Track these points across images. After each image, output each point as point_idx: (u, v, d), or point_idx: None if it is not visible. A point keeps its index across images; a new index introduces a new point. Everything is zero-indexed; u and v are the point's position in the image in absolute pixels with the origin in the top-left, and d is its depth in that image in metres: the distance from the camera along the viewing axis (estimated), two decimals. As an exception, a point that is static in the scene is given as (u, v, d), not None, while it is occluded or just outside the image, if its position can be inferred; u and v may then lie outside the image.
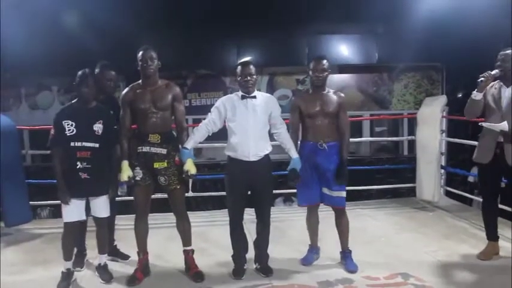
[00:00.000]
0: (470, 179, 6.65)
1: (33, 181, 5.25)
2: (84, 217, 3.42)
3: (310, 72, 3.51)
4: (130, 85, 3.46)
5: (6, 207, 4.58)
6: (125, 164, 3.35)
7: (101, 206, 3.42)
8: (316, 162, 3.53)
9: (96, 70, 3.65)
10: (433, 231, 4.53)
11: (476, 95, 3.53)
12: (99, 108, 3.40)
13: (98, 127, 3.32)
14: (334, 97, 3.53)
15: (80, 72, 3.32)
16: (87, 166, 3.28)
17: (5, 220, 4.64)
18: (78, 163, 3.26)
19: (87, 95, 3.32)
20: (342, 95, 3.59)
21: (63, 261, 3.42)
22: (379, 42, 9.46)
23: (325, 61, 3.51)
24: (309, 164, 3.55)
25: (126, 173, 3.33)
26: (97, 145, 3.31)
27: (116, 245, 3.95)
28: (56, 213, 5.77)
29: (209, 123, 3.43)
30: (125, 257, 3.88)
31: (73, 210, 3.33)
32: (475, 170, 6.53)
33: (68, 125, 3.26)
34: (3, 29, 6.52)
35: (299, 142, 3.66)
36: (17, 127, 4.85)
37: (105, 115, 3.40)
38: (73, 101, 3.41)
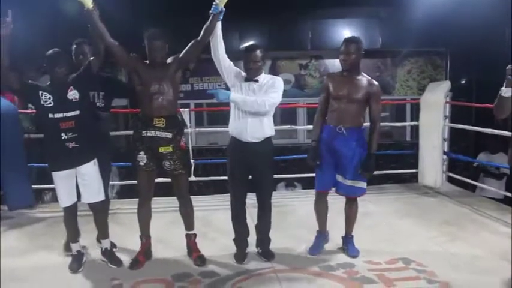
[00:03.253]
0: (476, 164, 6.63)
1: (34, 165, 5.24)
2: (76, 198, 3.41)
3: (339, 55, 3.38)
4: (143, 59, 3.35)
5: (8, 190, 4.59)
6: None
7: (92, 189, 3.38)
8: (333, 146, 3.43)
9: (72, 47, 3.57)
10: (435, 216, 4.53)
11: (505, 92, 2.93)
12: (67, 76, 3.29)
13: (72, 94, 3.25)
14: (366, 83, 3.37)
15: (49, 52, 3.25)
16: (73, 135, 3.25)
17: (7, 203, 4.66)
18: (63, 134, 3.22)
19: (60, 74, 3.23)
20: (375, 83, 3.41)
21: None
22: (383, 27, 9.40)
23: (353, 44, 3.34)
24: (326, 148, 3.47)
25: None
26: (78, 112, 3.26)
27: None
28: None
29: (223, 52, 3.37)
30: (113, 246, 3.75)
31: (67, 194, 3.34)
32: (482, 157, 6.54)
33: (43, 95, 3.21)
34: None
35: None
36: (19, 111, 4.82)
37: (74, 80, 3.29)
38: (46, 84, 3.31)
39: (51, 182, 3.39)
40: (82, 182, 3.37)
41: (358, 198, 3.59)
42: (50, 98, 3.22)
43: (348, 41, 3.39)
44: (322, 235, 3.71)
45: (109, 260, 3.50)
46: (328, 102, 3.49)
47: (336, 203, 3.69)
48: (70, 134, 3.24)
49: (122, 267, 3.45)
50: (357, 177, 3.45)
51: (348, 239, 3.65)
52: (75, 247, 3.47)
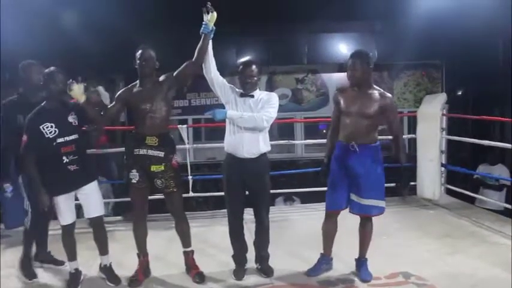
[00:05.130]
0: (477, 175, 6.64)
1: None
2: (75, 217, 3.41)
3: (347, 70, 3.26)
4: (130, 85, 3.44)
5: (6, 209, 4.56)
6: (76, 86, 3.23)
7: (95, 204, 3.40)
8: (346, 164, 3.29)
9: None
10: (434, 229, 4.52)
11: None
12: (66, 101, 3.36)
13: (73, 118, 3.30)
14: (377, 97, 3.22)
15: (46, 71, 3.28)
16: (74, 158, 3.28)
17: (4, 222, 4.63)
18: (65, 158, 3.25)
19: (57, 92, 3.26)
20: (389, 95, 3.27)
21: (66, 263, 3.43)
22: (378, 41, 9.46)
23: (358, 59, 3.22)
24: (339, 166, 3.34)
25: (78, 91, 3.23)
26: (77, 136, 3.31)
27: (49, 251, 3.86)
28: (55, 214, 5.76)
29: (215, 69, 3.37)
30: (60, 263, 3.78)
31: (68, 212, 3.34)
32: (481, 169, 6.54)
33: (47, 127, 3.22)
34: (3, 28, 6.50)
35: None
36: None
37: (74, 107, 3.35)
38: (42, 104, 3.31)
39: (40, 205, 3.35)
40: (84, 197, 3.39)
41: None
42: (52, 127, 3.23)
43: (353, 56, 3.27)
44: (324, 259, 3.56)
45: (108, 278, 3.48)
46: (339, 118, 3.38)
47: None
48: (71, 157, 3.27)
49: (120, 286, 3.42)
50: (375, 196, 3.28)
51: (361, 261, 3.48)
52: (73, 265, 3.45)
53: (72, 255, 3.44)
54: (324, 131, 9.62)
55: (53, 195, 3.29)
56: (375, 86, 3.30)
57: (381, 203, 3.33)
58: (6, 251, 4.21)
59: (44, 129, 3.22)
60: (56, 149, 3.24)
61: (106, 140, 5.12)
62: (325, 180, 3.43)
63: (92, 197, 3.40)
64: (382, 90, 3.29)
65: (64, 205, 3.32)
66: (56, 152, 3.25)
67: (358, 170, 3.25)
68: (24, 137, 3.23)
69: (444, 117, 5.64)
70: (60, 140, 3.24)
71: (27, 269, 3.63)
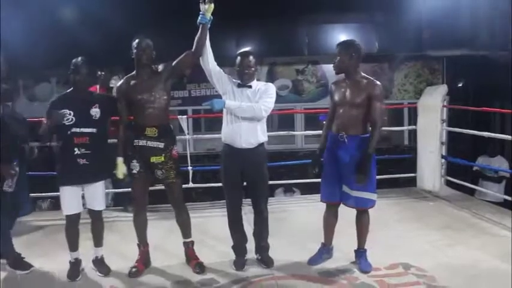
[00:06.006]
0: (476, 168, 6.65)
1: (33, 173, 5.22)
2: (81, 208, 3.41)
3: (334, 59, 3.29)
4: (125, 77, 3.42)
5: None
6: (120, 161, 3.33)
7: (98, 198, 3.43)
8: (336, 155, 3.31)
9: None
10: (434, 221, 4.52)
11: None
12: (95, 93, 3.41)
13: (95, 111, 3.31)
14: (365, 85, 3.23)
15: (73, 61, 3.30)
16: (86, 152, 3.27)
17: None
18: (76, 149, 3.25)
19: (81, 82, 3.30)
20: (377, 82, 3.25)
21: (63, 253, 3.46)
22: (379, 32, 9.41)
23: (343, 47, 3.25)
24: (331, 157, 3.36)
25: (120, 170, 3.32)
26: (94, 130, 3.30)
27: (20, 254, 3.69)
28: (56, 205, 5.76)
29: (212, 60, 3.35)
30: (28, 267, 3.61)
31: (72, 202, 3.34)
32: (480, 160, 6.55)
33: (66, 115, 3.23)
34: (2, 21, 6.47)
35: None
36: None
37: (100, 99, 3.40)
38: (67, 91, 3.38)
39: (49, 191, 3.39)
40: (88, 191, 3.40)
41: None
42: (70, 114, 3.24)
43: (339, 45, 3.31)
44: (325, 248, 3.58)
45: (98, 269, 3.50)
46: (334, 110, 3.40)
47: (343, 212, 3.57)
48: (83, 150, 3.26)
49: (122, 276, 3.43)
50: (364, 188, 3.25)
51: (360, 252, 3.48)
52: (74, 255, 3.46)
53: (73, 246, 3.45)
54: (324, 122, 9.61)
55: (59, 185, 3.31)
56: (363, 75, 3.31)
57: (372, 196, 3.32)
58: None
59: (63, 118, 3.23)
60: (69, 138, 3.25)
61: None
62: (315, 172, 3.45)
63: (96, 193, 3.41)
64: (371, 79, 3.29)
65: (68, 195, 3.33)
66: (69, 141, 3.25)
67: (347, 161, 3.25)
68: (45, 120, 3.26)
69: (445, 109, 5.63)
70: (74, 130, 3.25)
71: (20, 264, 3.59)
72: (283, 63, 9.81)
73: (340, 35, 9.43)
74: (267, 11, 8.51)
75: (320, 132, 3.62)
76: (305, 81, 9.83)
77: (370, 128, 3.30)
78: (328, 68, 9.83)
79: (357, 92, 3.25)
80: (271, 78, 9.52)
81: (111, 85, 4.85)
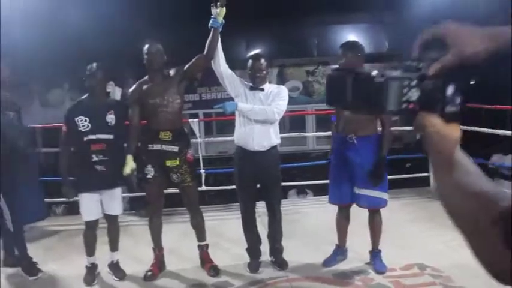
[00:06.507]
0: (492, 165, 6.59)
1: (47, 179, 5.28)
2: (100, 214, 3.44)
3: (339, 60, 3.27)
4: (138, 81, 3.44)
5: (22, 205, 4.61)
6: (129, 157, 3.32)
7: (115, 203, 3.47)
8: (345, 157, 3.29)
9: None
10: (448, 220, 4.46)
11: None
12: (109, 99, 3.44)
13: (110, 118, 3.34)
14: None
15: (88, 67, 3.34)
16: (103, 158, 3.30)
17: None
18: (94, 156, 3.28)
19: (97, 87, 3.33)
20: None
21: (79, 257, 3.50)
22: (389, 31, 9.38)
23: (347, 48, 3.24)
24: (339, 159, 3.34)
25: (129, 165, 3.30)
26: (111, 136, 3.33)
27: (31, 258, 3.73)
28: (71, 210, 5.82)
29: (224, 63, 3.36)
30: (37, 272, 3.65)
31: (92, 208, 3.38)
32: (494, 159, 6.49)
33: (81, 121, 3.27)
34: (10, 27, 6.54)
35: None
36: (30, 125, 4.86)
37: (115, 105, 3.43)
38: (83, 97, 3.42)
39: (63, 196, 3.43)
40: (105, 196, 3.42)
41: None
42: (86, 121, 3.27)
43: (344, 46, 3.31)
44: (339, 250, 3.58)
45: (114, 273, 3.53)
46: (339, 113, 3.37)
47: (356, 212, 3.58)
48: (100, 156, 3.29)
49: (138, 279, 3.45)
50: (376, 188, 3.25)
51: (374, 253, 3.47)
52: (90, 260, 3.49)
53: (90, 251, 3.48)
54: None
55: (77, 192, 3.36)
56: None
57: (383, 195, 3.32)
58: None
59: (77, 121, 3.27)
60: (85, 145, 3.28)
61: None
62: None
63: (113, 198, 3.45)
64: None
65: (87, 202, 3.36)
66: (86, 148, 3.28)
67: (358, 162, 3.24)
68: (64, 128, 3.30)
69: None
70: (91, 137, 3.28)
71: (30, 268, 3.61)
72: (293, 65, 9.82)
73: (349, 35, 9.44)
74: (276, 13, 8.53)
75: (329, 133, 3.61)
76: (315, 82, 9.83)
77: (380, 129, 3.29)
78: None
79: None
80: (281, 80, 9.53)
81: (107, 90, 4.87)
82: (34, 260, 3.78)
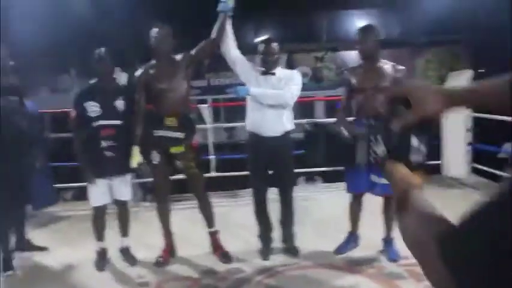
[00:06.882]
0: (502, 154, 6.50)
1: (57, 164, 5.27)
2: (109, 200, 3.42)
3: (356, 45, 3.21)
4: (144, 65, 3.38)
5: (33, 190, 4.61)
6: (136, 150, 3.28)
7: (124, 188, 3.44)
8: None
9: None
10: (461, 209, 4.36)
11: None
12: (118, 84, 3.39)
13: (120, 103, 3.30)
14: (390, 69, 3.16)
15: (96, 51, 3.28)
16: (112, 144, 3.26)
17: (31, 203, 4.68)
18: (103, 142, 3.25)
19: (106, 72, 3.29)
20: (401, 67, 3.20)
21: (89, 243, 3.49)
22: (399, 16, 9.25)
23: (369, 32, 3.16)
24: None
25: (135, 158, 3.27)
26: (120, 122, 3.29)
27: (29, 239, 3.85)
28: (80, 195, 5.82)
29: (235, 48, 3.30)
30: (42, 249, 3.79)
31: (99, 194, 3.36)
32: (507, 147, 6.40)
33: (90, 106, 3.23)
34: (17, 12, 6.50)
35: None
36: (39, 111, 4.83)
37: (124, 91, 3.39)
38: (92, 81, 3.37)
39: (72, 181, 3.41)
40: (114, 182, 3.40)
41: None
42: (96, 106, 3.23)
43: (363, 29, 3.22)
44: (352, 236, 3.50)
45: (125, 258, 3.52)
46: (351, 98, 3.30)
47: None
48: (110, 142, 3.25)
49: (148, 265, 3.44)
50: None
51: (388, 241, 3.41)
52: (100, 245, 3.49)
53: (100, 236, 3.48)
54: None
55: (87, 181, 3.33)
56: (383, 60, 3.24)
57: None
58: (34, 232, 4.26)
59: (87, 107, 3.22)
60: (95, 130, 3.24)
61: None
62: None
63: (122, 184, 3.42)
64: (393, 63, 3.22)
65: (96, 187, 3.33)
66: (95, 134, 3.25)
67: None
68: (73, 113, 3.25)
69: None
70: (101, 122, 3.24)
71: (6, 261, 3.45)
72: (302, 51, 9.72)
73: (358, 20, 9.31)
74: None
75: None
76: (324, 68, 9.73)
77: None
78: (348, 55, 9.75)
79: (383, 75, 3.17)
80: (289, 66, 9.44)
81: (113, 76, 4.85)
82: (44, 245, 3.80)
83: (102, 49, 3.28)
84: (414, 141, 0.84)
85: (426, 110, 0.82)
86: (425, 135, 0.86)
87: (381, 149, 0.86)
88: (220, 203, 4.53)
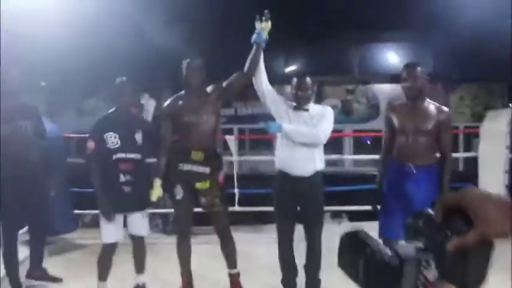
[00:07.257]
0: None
1: (78, 190, 5.17)
2: (122, 237, 3.26)
3: (402, 82, 3.05)
4: (173, 96, 3.27)
5: (51, 217, 4.51)
6: (157, 182, 3.14)
7: (141, 223, 3.29)
8: (401, 187, 3.01)
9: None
10: (501, 260, 4.10)
11: None
12: (137, 116, 3.28)
13: (139, 137, 3.17)
14: (435, 111, 2.99)
15: (117, 80, 3.19)
16: (131, 179, 3.12)
17: (49, 230, 4.57)
18: (121, 176, 3.11)
19: (125, 103, 3.19)
20: (446, 109, 3.06)
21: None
22: (433, 51, 9.05)
23: (418, 68, 3.02)
24: (394, 189, 3.06)
25: (156, 192, 3.12)
26: (139, 156, 3.16)
27: (45, 269, 3.71)
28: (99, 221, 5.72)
29: (266, 80, 3.18)
30: (56, 280, 3.65)
31: (113, 230, 3.20)
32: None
33: (110, 137, 3.11)
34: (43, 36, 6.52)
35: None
36: (64, 135, 4.79)
37: (143, 123, 3.29)
38: (110, 111, 3.26)
39: (91, 208, 3.27)
40: (131, 218, 3.26)
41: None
42: (116, 137, 3.10)
43: (410, 66, 3.08)
44: None
45: None
46: (393, 137, 3.11)
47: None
48: (128, 177, 3.12)
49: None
50: None
51: None
52: (101, 286, 3.28)
53: (103, 275, 3.27)
54: (368, 142, 9.27)
55: (103, 216, 3.16)
56: (428, 100, 3.06)
57: None
58: (49, 260, 4.12)
59: (107, 138, 3.10)
60: (114, 163, 3.10)
61: None
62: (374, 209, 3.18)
63: (139, 219, 3.27)
64: (437, 104, 3.05)
65: (109, 223, 3.17)
66: (114, 167, 3.11)
67: (416, 195, 2.95)
68: (91, 143, 3.12)
69: (510, 135, 5.22)
70: (120, 155, 3.11)
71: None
72: (332, 83, 9.58)
73: (392, 54, 9.15)
74: (317, 29, 8.35)
75: (369, 156, 3.35)
76: (354, 101, 9.55)
77: (440, 158, 3.05)
78: (379, 88, 9.56)
79: (427, 117, 2.99)
80: (318, 98, 9.30)
81: (141, 101, 4.78)
82: (57, 275, 3.66)
83: (123, 78, 3.19)
84: (471, 261, 0.69)
85: (493, 230, 0.67)
86: (484, 257, 0.69)
87: (432, 274, 0.71)
88: (241, 238, 4.33)
